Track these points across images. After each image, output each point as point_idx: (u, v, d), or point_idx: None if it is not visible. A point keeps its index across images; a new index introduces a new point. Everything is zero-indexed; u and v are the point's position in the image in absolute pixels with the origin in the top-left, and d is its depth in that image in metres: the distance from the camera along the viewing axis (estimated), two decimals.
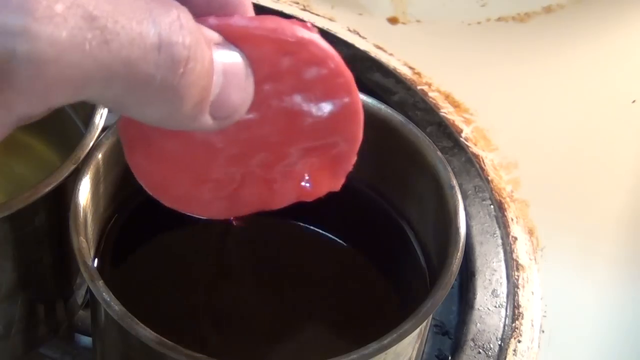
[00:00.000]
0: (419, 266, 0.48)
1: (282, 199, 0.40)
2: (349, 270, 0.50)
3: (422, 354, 0.51)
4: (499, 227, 0.57)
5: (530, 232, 0.58)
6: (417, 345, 0.44)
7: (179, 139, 0.36)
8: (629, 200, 0.62)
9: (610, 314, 0.55)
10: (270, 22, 0.33)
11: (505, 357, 0.51)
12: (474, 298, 0.53)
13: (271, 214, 0.49)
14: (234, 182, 0.38)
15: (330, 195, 0.49)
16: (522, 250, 0.56)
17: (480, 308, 0.52)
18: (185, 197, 0.39)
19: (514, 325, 0.52)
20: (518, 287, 0.54)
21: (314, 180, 0.39)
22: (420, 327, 0.41)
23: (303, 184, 0.39)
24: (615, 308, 0.55)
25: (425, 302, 0.41)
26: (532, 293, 0.54)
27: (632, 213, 0.61)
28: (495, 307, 0.53)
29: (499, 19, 0.74)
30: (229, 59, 0.32)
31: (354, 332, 0.46)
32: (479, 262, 0.54)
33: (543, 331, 0.53)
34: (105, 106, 0.30)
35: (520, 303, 0.53)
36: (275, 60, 0.34)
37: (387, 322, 0.40)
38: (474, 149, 0.62)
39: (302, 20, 0.35)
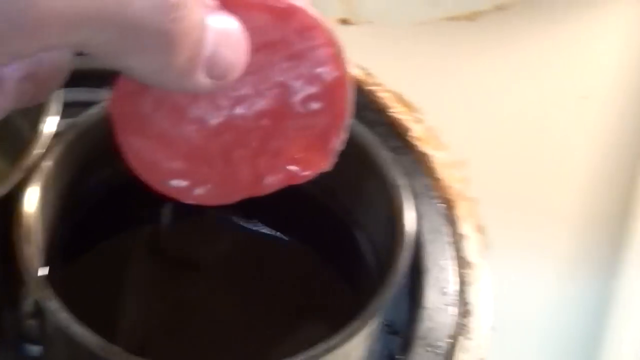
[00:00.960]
0: (370, 266, 0.48)
1: (271, 183, 0.39)
2: (303, 271, 0.50)
3: (373, 353, 0.52)
4: (449, 225, 0.57)
5: (480, 230, 0.58)
6: (366, 345, 0.44)
7: (172, 115, 0.36)
8: (579, 198, 0.62)
9: (560, 311, 0.55)
10: None
11: (455, 354, 0.51)
12: (424, 296, 0.53)
13: (224, 213, 0.50)
14: (226, 164, 0.38)
15: (283, 198, 0.50)
16: (471, 248, 0.56)
17: (429, 306, 0.52)
18: (175, 180, 0.38)
19: (463, 323, 0.53)
20: (467, 285, 0.54)
21: (303, 160, 0.39)
22: (367, 327, 0.41)
23: (290, 167, 0.39)
24: (565, 306, 0.56)
25: (372, 302, 0.41)
26: (482, 291, 0.55)
27: (582, 211, 0.61)
28: (445, 305, 0.53)
29: (450, 19, 0.74)
30: (224, 21, 0.33)
31: (308, 332, 0.46)
32: (428, 261, 0.54)
33: (493, 329, 0.54)
34: (98, 54, 0.30)
35: (469, 301, 0.54)
36: (267, 29, 0.35)
37: (342, 323, 0.41)
38: (424, 148, 0.62)
39: None
